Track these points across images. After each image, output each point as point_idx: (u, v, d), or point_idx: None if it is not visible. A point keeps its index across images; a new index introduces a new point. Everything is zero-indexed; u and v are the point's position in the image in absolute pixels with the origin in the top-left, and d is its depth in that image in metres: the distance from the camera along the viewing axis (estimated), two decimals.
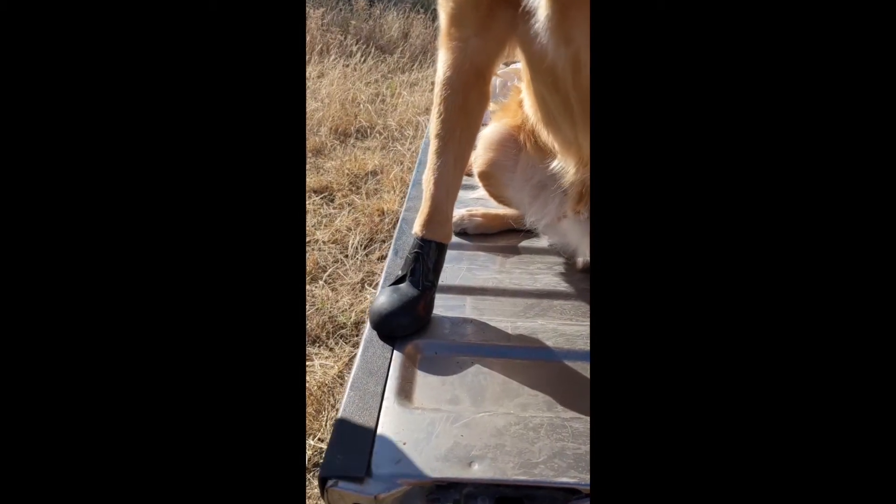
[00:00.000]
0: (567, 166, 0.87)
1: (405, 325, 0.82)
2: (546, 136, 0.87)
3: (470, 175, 1.09)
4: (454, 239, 1.08)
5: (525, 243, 1.10)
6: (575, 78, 0.72)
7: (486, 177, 0.99)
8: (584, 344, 0.83)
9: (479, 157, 1.00)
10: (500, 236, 1.11)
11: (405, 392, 0.74)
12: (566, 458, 0.65)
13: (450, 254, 0.98)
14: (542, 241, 1.09)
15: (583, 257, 0.97)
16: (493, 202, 1.11)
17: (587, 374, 0.80)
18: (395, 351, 0.80)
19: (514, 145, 0.94)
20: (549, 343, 0.84)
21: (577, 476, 0.62)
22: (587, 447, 0.67)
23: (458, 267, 1.01)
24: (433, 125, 0.81)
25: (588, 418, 0.72)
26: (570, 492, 0.62)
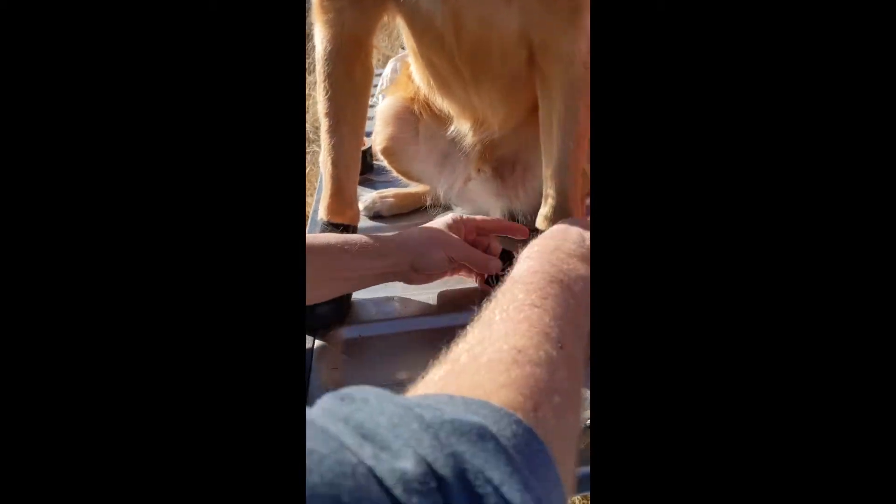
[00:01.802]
0: (464, 129, 0.86)
1: (324, 315, 0.79)
2: (441, 102, 0.86)
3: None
4: (370, 223, 1.06)
5: (440, 218, 1.09)
6: (458, 37, 0.71)
7: (388, 153, 0.97)
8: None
9: (378, 135, 0.99)
10: (416, 214, 1.09)
11: (334, 379, 0.72)
12: None
13: None
14: (458, 213, 1.08)
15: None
16: (403, 181, 1.10)
17: None
18: (315, 341, 0.78)
19: (411, 117, 0.93)
20: (473, 306, 0.83)
21: None
22: None
23: None
24: (321, 105, 0.78)
25: None
26: None
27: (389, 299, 0.85)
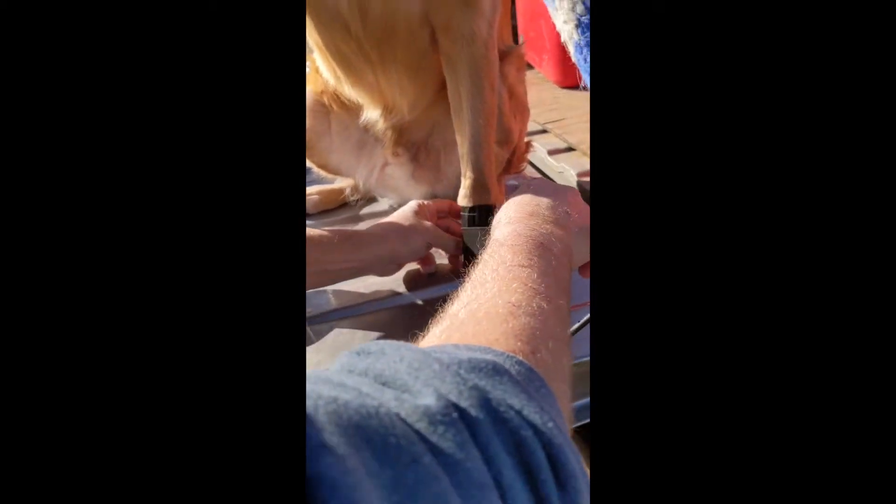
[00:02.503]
0: (375, 115, 0.88)
1: None
2: (349, 92, 0.87)
3: None
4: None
5: (367, 209, 1.09)
6: (364, 22, 0.73)
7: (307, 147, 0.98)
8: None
9: None
10: (342, 209, 1.10)
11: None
12: None
13: None
14: (383, 204, 1.09)
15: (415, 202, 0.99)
16: (329, 178, 1.09)
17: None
18: None
19: (323, 109, 0.93)
20: (401, 290, 0.85)
21: None
22: None
23: None
24: None
25: None
26: None
27: (320, 293, 0.85)
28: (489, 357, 0.31)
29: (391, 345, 0.31)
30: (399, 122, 0.88)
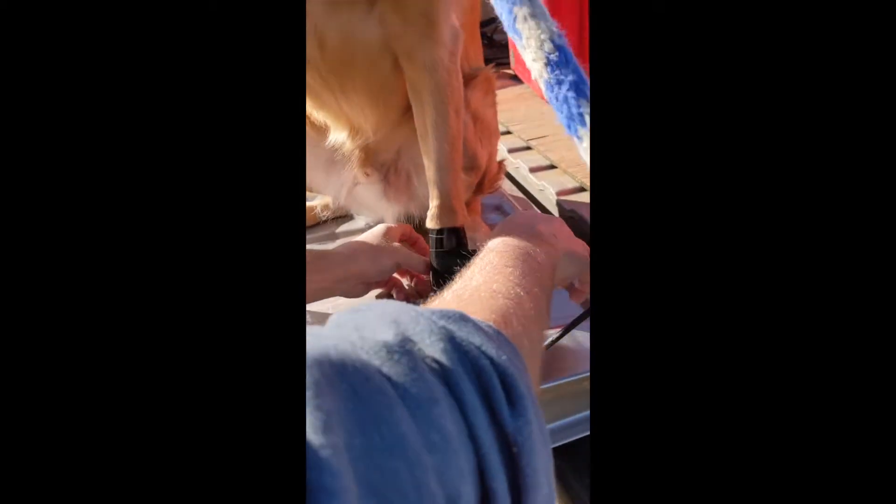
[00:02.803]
0: (341, 137, 0.88)
1: None
2: (317, 115, 0.88)
3: None
4: None
5: (343, 227, 1.09)
6: (322, 51, 0.74)
7: None
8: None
9: None
10: (319, 227, 1.10)
11: None
12: None
13: None
14: (359, 222, 1.09)
15: (387, 222, 0.99)
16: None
17: None
18: None
19: None
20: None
21: None
22: None
23: None
24: None
25: None
26: None
27: None
28: (459, 311, 0.36)
29: (380, 302, 0.37)
30: (365, 143, 0.88)
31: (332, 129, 0.88)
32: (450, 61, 0.75)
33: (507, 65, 1.78)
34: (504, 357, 0.34)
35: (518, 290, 0.46)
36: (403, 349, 0.31)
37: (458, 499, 0.29)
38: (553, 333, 0.71)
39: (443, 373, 0.32)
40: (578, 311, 0.73)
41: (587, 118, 0.38)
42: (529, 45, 0.36)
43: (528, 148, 1.37)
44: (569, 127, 0.40)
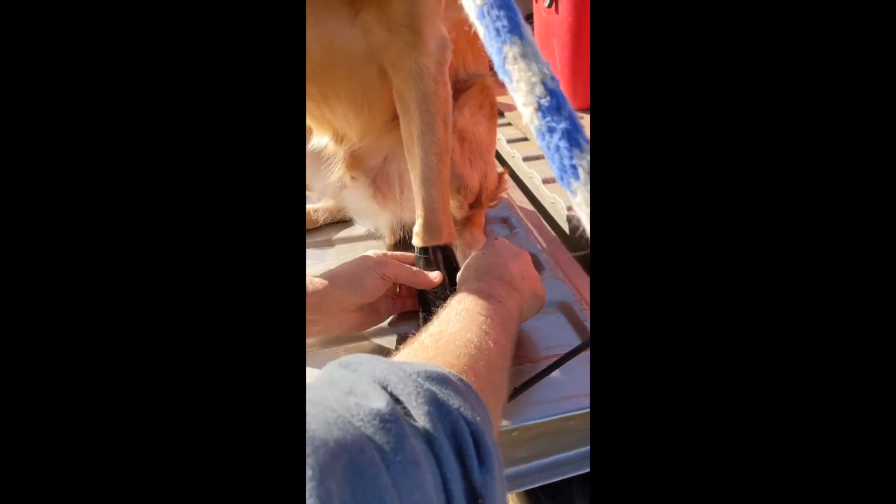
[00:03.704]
0: (324, 141, 0.86)
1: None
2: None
3: None
4: None
5: (342, 234, 1.06)
6: (311, 68, 0.73)
7: None
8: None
9: None
10: (319, 231, 1.06)
11: None
12: None
13: None
14: (359, 229, 1.05)
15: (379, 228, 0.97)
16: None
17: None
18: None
19: None
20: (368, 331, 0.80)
21: None
22: None
23: None
24: None
25: None
26: None
27: None
28: (441, 371, 0.42)
29: (369, 359, 0.41)
30: (350, 148, 0.85)
31: (315, 133, 0.86)
32: (437, 70, 0.72)
33: None
34: (477, 418, 0.39)
35: (489, 342, 0.52)
36: (393, 417, 0.35)
37: None
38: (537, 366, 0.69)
39: (426, 436, 0.37)
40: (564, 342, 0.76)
41: (581, 171, 0.34)
42: (520, 89, 0.33)
43: (526, 139, 1.34)
44: (561, 178, 0.36)
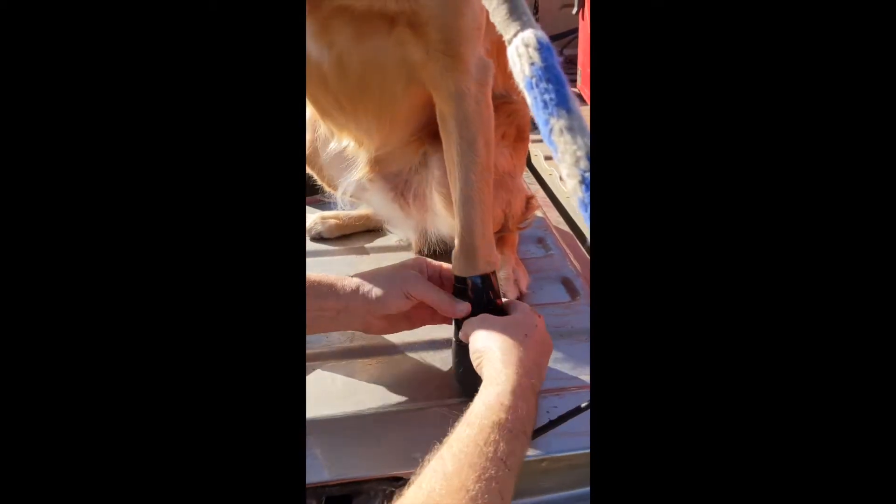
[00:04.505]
0: (345, 143, 0.88)
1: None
2: (325, 124, 0.88)
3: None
4: (312, 245, 1.04)
5: (375, 243, 1.07)
6: (342, 78, 0.74)
7: (308, 160, 0.97)
8: (424, 334, 0.81)
9: None
10: (350, 239, 1.07)
11: None
12: (397, 447, 0.66)
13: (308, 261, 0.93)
14: (391, 239, 1.06)
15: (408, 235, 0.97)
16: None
17: (424, 362, 0.80)
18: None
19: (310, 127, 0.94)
20: (393, 339, 0.82)
21: (405, 464, 0.60)
22: (412, 434, 0.68)
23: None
24: None
25: (418, 407, 0.73)
26: (394, 479, 0.62)
27: None
28: None
29: None
30: (370, 154, 0.87)
31: (336, 136, 0.88)
32: (478, 91, 0.72)
33: (574, 82, 1.71)
34: None
35: (490, 485, 0.50)
36: None
37: None
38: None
39: None
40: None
41: None
42: (564, 161, 0.33)
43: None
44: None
